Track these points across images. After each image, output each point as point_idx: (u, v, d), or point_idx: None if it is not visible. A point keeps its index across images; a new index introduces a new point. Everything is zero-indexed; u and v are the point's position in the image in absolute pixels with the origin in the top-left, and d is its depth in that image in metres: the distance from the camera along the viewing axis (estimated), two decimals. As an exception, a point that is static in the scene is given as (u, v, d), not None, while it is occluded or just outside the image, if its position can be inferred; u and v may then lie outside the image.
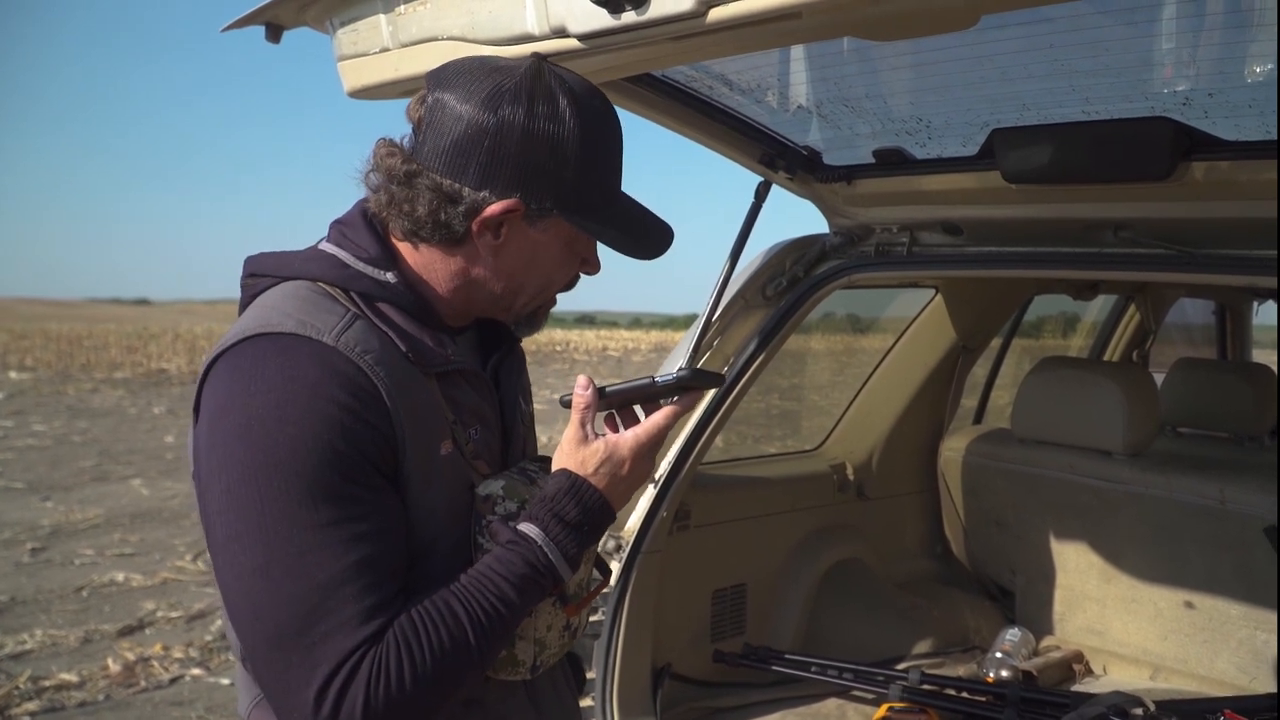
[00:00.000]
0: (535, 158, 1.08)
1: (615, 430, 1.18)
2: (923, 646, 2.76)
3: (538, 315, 1.23)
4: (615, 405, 1.19)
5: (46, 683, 4.26)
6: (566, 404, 1.17)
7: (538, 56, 1.13)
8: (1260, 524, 2.41)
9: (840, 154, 2.23)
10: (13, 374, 17.84)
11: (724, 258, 2.16)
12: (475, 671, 1.06)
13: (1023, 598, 2.98)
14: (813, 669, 2.50)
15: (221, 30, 1.57)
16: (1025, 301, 3.51)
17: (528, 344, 1.32)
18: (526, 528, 1.10)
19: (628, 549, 2.22)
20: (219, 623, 4.96)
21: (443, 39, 1.41)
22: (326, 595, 0.96)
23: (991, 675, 2.62)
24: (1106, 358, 4.18)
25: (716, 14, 1.15)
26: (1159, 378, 3.21)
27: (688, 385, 1.18)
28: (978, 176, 2.05)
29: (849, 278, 2.32)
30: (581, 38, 1.26)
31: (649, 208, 1.21)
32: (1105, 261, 2.04)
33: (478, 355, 1.25)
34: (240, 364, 1.02)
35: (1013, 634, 2.78)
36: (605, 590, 1.94)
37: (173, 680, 4.37)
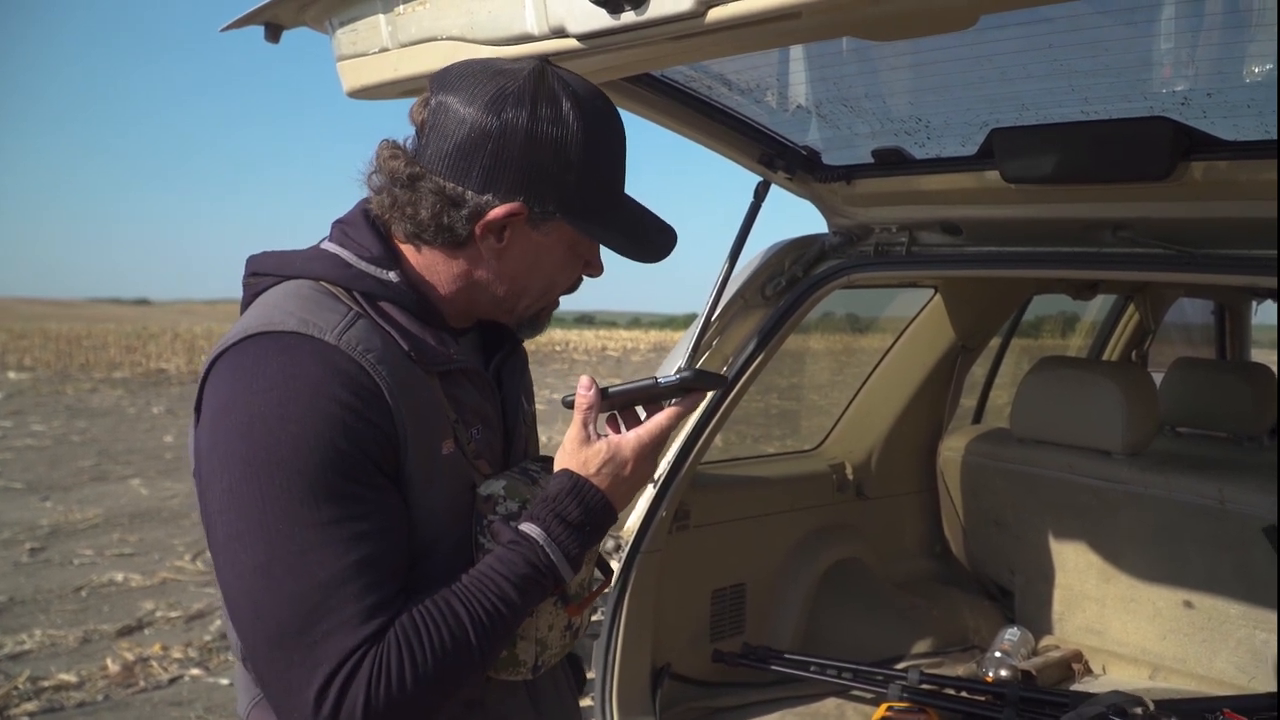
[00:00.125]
0: (538, 161, 1.08)
1: (617, 431, 1.18)
2: (922, 646, 2.76)
3: (540, 317, 1.23)
4: (617, 406, 1.19)
5: (45, 683, 4.26)
6: (569, 404, 1.17)
7: (541, 59, 1.13)
8: (1259, 524, 2.41)
9: (839, 154, 2.23)
10: (12, 374, 17.83)
11: (723, 258, 2.17)
12: (476, 671, 1.06)
13: (1022, 597, 2.98)
14: (812, 669, 2.50)
15: (221, 30, 1.57)
16: (1024, 301, 3.52)
17: (527, 343, 1.32)
18: (528, 528, 1.10)
19: (627, 549, 2.22)
20: (218, 623, 4.96)
21: (442, 39, 1.41)
22: (328, 594, 0.96)
23: (991, 675, 2.62)
24: (1105, 357, 4.18)
25: (715, 14, 1.15)
26: (1158, 377, 3.21)
27: (690, 386, 1.18)
28: (977, 176, 2.05)
29: (848, 277, 2.32)
30: (581, 38, 1.26)
31: (652, 210, 1.21)
32: (1104, 261, 2.04)
33: (480, 355, 1.25)
34: (242, 362, 1.02)
35: (1012, 633, 2.78)
36: (605, 590, 1.94)
37: (172, 680, 4.37)
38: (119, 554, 6.33)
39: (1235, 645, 2.52)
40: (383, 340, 1.07)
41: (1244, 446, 3.15)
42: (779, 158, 2.16)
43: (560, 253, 1.16)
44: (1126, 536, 2.71)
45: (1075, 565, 2.83)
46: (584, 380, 1.16)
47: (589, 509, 1.12)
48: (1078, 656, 2.78)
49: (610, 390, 1.18)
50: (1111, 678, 2.73)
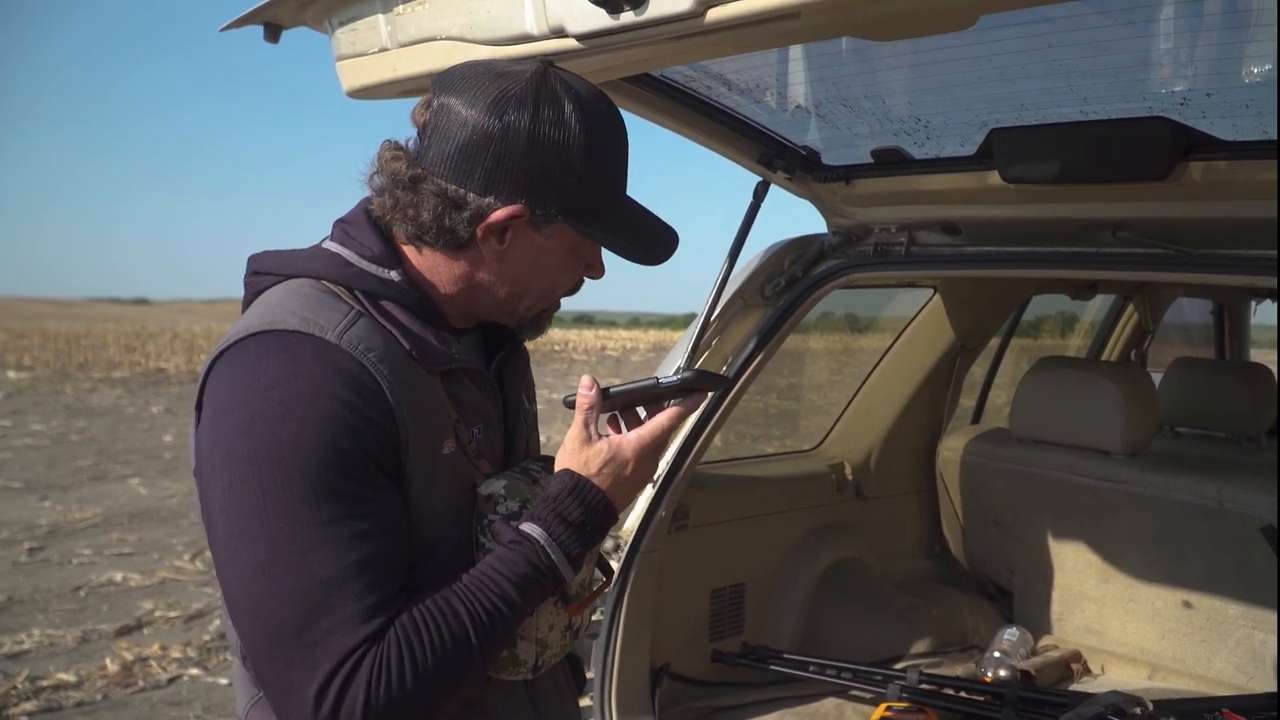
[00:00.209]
0: (540, 164, 1.08)
1: (618, 431, 1.18)
2: (921, 646, 2.76)
3: (541, 319, 1.23)
4: (619, 406, 1.19)
5: (44, 682, 4.26)
6: (570, 404, 1.17)
7: (544, 61, 1.13)
8: (1258, 524, 2.41)
9: (839, 154, 2.23)
10: (11, 373, 17.82)
11: (723, 258, 2.17)
12: (476, 671, 1.06)
13: (1021, 597, 2.98)
14: (811, 668, 2.50)
15: (220, 30, 1.57)
16: (1023, 301, 3.52)
17: (526, 342, 1.33)
18: (529, 528, 1.10)
19: (626, 548, 2.22)
20: (217, 623, 4.96)
21: (441, 39, 1.41)
22: (328, 593, 0.96)
23: (990, 675, 2.62)
24: (1104, 357, 4.18)
25: (715, 14, 1.15)
26: (1157, 377, 3.21)
27: (692, 386, 1.18)
28: (976, 176, 2.05)
29: (847, 277, 2.32)
30: (580, 38, 1.26)
31: (653, 212, 1.21)
32: (1103, 261, 2.04)
33: (481, 354, 1.25)
34: (244, 361, 1.02)
35: (1011, 633, 2.78)
36: (606, 590, 1.94)
37: (171, 680, 4.37)
38: (118, 553, 6.33)
39: (1234, 645, 2.52)
40: (384, 339, 1.07)
41: (1243, 446, 3.15)
42: (778, 158, 2.17)
43: (562, 255, 1.16)
44: (1125, 536, 2.71)
45: (1074, 565, 2.83)
46: (585, 380, 1.16)
47: (590, 509, 1.12)
48: (1076, 656, 2.78)
49: (611, 390, 1.18)
50: (1110, 678, 2.73)
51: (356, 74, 1.57)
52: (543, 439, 1.38)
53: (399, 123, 1.16)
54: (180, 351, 23.20)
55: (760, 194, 2.16)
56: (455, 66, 1.14)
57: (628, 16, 1.20)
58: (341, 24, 1.55)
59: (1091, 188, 1.94)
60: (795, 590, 2.78)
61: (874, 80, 1.95)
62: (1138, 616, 2.70)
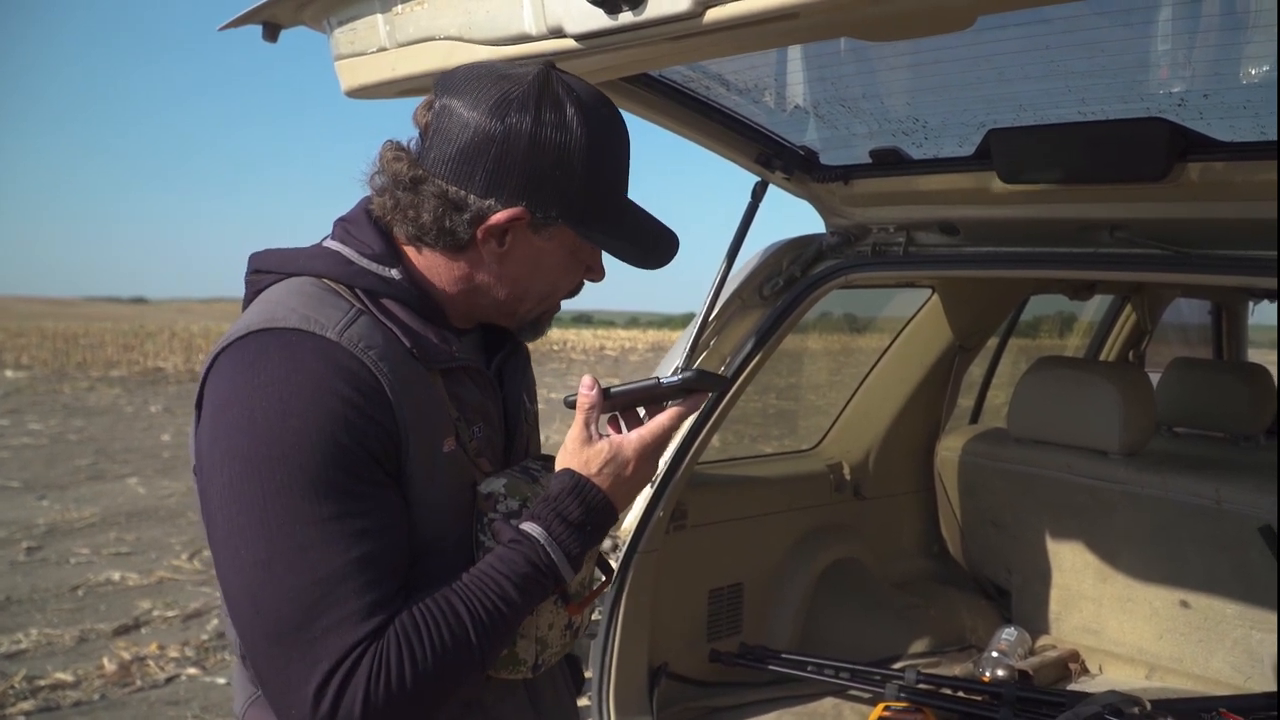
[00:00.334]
0: (541, 167, 1.08)
1: (619, 431, 1.18)
2: (919, 646, 2.76)
3: (541, 321, 1.23)
4: (619, 406, 1.19)
5: (42, 682, 4.25)
6: (571, 404, 1.17)
7: (546, 64, 1.13)
8: (1255, 523, 2.41)
9: (837, 154, 2.23)
10: (8, 372, 17.80)
11: (721, 258, 2.17)
12: (476, 670, 1.06)
13: (1019, 597, 2.98)
14: (809, 668, 2.50)
15: (218, 29, 1.57)
16: (1022, 301, 3.52)
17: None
18: (529, 527, 1.10)
19: (624, 548, 2.22)
20: (215, 622, 4.96)
21: (440, 39, 1.41)
22: (328, 590, 0.96)
23: (988, 674, 2.63)
24: (1103, 357, 4.19)
25: (713, 14, 1.15)
26: (1155, 378, 3.21)
27: (692, 387, 1.18)
28: (974, 177, 2.05)
29: (846, 277, 2.32)
30: (578, 38, 1.26)
31: (655, 215, 1.21)
32: (1101, 262, 2.05)
33: (482, 353, 1.25)
34: (244, 358, 1.02)
35: (1009, 633, 2.78)
36: (605, 589, 1.94)
37: (168, 680, 4.36)
38: (116, 553, 6.33)
39: (1232, 645, 2.52)
40: (385, 337, 1.07)
41: (1241, 446, 3.15)
42: (777, 158, 2.17)
43: (562, 257, 1.16)
44: (1123, 536, 2.72)
45: (1072, 565, 2.84)
46: (586, 380, 1.16)
47: (590, 508, 1.12)
48: (1074, 656, 2.78)
49: (612, 390, 1.18)
50: (1108, 677, 2.73)
51: (355, 73, 1.57)
52: (542, 438, 1.38)
53: (397, 122, 1.16)
54: (178, 351, 23.18)
55: (758, 194, 2.16)
56: (457, 68, 1.14)
57: (626, 17, 1.20)
58: (340, 23, 1.55)
59: (1089, 188, 1.94)
60: (793, 590, 2.78)
61: (872, 80, 1.95)
62: (1135, 616, 2.71)
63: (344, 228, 1.16)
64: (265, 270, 1.13)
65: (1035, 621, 2.91)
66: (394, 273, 1.12)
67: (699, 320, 2.21)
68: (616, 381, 1.21)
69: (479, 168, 1.08)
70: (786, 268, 2.38)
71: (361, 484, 1.00)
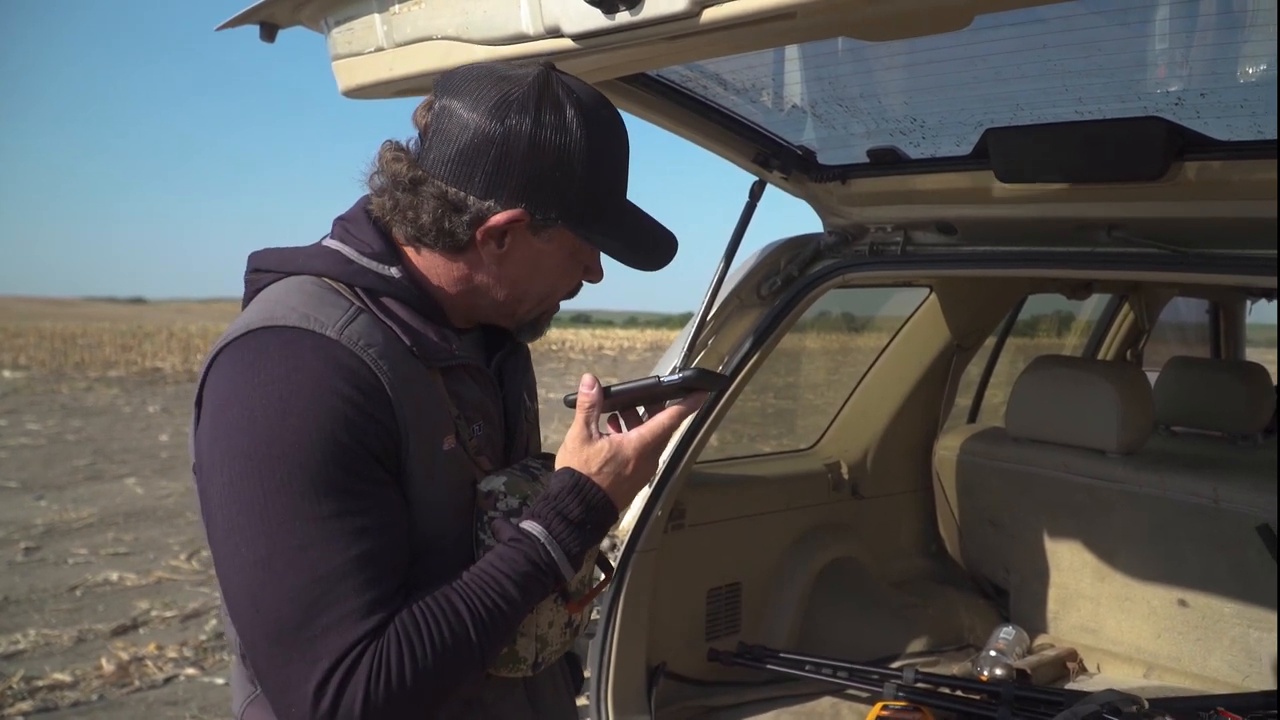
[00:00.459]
0: (541, 168, 1.08)
1: (619, 430, 1.19)
2: (917, 645, 2.76)
3: (540, 322, 1.23)
4: (619, 405, 1.20)
5: (40, 682, 4.25)
6: (571, 403, 1.17)
7: (546, 65, 1.13)
8: (1253, 522, 2.42)
9: (835, 153, 2.23)
10: (6, 372, 17.79)
11: (719, 257, 2.17)
12: (476, 668, 1.06)
13: (1017, 596, 2.99)
14: (807, 668, 2.50)
15: (216, 29, 1.57)
16: (1019, 300, 3.52)
17: (524, 343, 1.32)
18: (529, 525, 1.10)
19: (623, 548, 2.22)
20: (213, 622, 4.95)
21: (437, 39, 1.41)
22: (328, 589, 0.96)
23: (986, 673, 2.63)
24: (1100, 356, 4.19)
25: (710, 14, 1.15)
26: (1153, 376, 3.22)
27: (692, 386, 1.18)
28: (972, 176, 2.05)
29: (843, 277, 2.33)
30: (576, 38, 1.26)
31: (653, 216, 1.21)
32: (1099, 261, 2.05)
33: (482, 352, 1.25)
34: (244, 357, 1.02)
35: (1007, 632, 2.79)
36: (605, 588, 1.94)
37: (167, 680, 4.36)
38: (114, 553, 6.32)
39: (1230, 644, 2.53)
40: (384, 335, 1.07)
41: (1238, 445, 3.16)
42: (774, 157, 2.17)
43: (561, 259, 1.16)
44: (1121, 535, 2.72)
45: (1070, 564, 2.84)
46: (586, 379, 1.16)
47: (590, 507, 1.12)
48: (1072, 655, 2.78)
49: (612, 389, 1.18)
50: (1106, 676, 2.73)
51: (352, 73, 1.57)
52: (541, 437, 1.39)
53: (396, 122, 1.16)
54: (176, 351, 23.17)
55: (756, 194, 2.16)
56: (457, 69, 1.14)
57: (623, 16, 1.20)
58: (337, 23, 1.55)
59: (1087, 187, 1.95)
60: (791, 589, 2.78)
61: (870, 80, 1.95)
62: (1133, 615, 2.71)
63: (343, 227, 1.16)
64: (265, 269, 1.13)
65: (1033, 620, 2.91)
66: (394, 271, 1.12)
67: (697, 320, 2.21)
68: (616, 381, 1.21)
69: (478, 169, 1.08)
70: (784, 267, 2.38)
71: (361, 482, 1.00)
